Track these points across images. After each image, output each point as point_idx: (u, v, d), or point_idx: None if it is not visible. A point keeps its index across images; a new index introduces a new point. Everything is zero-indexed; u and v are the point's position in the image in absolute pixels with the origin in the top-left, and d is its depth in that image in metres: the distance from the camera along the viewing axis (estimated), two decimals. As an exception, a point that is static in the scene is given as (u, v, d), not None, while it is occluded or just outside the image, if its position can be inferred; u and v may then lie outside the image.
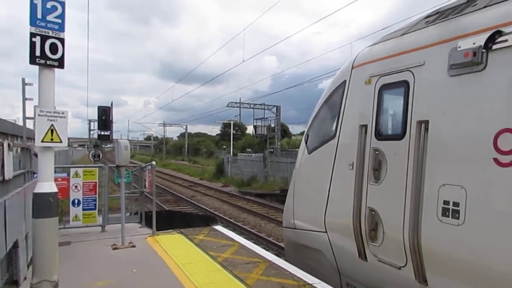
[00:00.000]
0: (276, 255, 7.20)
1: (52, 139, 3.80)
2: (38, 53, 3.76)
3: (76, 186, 7.64)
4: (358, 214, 4.91)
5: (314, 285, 4.89)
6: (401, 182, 4.28)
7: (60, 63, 3.83)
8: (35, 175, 7.12)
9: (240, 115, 51.44)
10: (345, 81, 5.58)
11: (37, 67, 3.82)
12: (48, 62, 3.79)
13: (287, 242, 7.01)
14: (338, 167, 5.44)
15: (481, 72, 3.63)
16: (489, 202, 3.48)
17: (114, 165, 7.22)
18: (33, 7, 3.78)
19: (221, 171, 34.80)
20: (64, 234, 7.48)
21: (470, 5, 4.10)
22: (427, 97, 4.16)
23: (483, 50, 3.56)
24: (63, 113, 3.85)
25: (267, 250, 7.87)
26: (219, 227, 8.33)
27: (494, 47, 3.52)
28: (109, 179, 9.50)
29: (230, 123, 56.41)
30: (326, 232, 5.53)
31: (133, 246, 6.76)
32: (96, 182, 7.87)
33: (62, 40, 3.84)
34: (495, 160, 3.40)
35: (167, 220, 9.20)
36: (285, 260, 6.22)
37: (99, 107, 15.28)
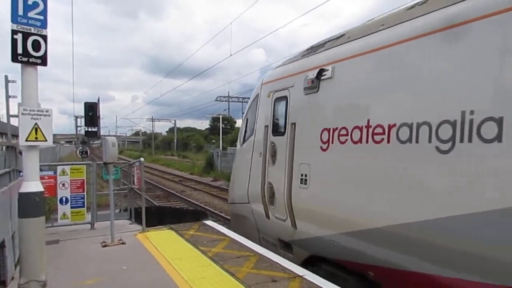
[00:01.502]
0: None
1: (36, 138, 3.75)
2: (20, 50, 3.68)
3: (63, 184, 7.57)
4: (263, 187, 6.84)
5: (304, 276, 4.94)
6: (283, 163, 6.24)
7: (43, 61, 3.76)
8: (21, 173, 7.03)
9: (228, 109, 51.40)
10: (258, 94, 7.62)
11: (20, 64, 3.75)
12: (30, 60, 3.73)
13: (231, 214, 9.19)
14: (254, 156, 7.40)
15: (316, 93, 5.65)
16: (319, 173, 5.49)
17: (102, 162, 7.16)
18: (14, 3, 3.70)
19: (211, 165, 34.76)
20: (52, 233, 7.42)
21: (319, 48, 6.14)
22: (295, 108, 6.15)
23: (316, 79, 5.59)
24: (47, 111, 3.79)
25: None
26: (209, 222, 8.34)
27: (321, 78, 5.53)
28: (97, 176, 9.43)
29: (219, 117, 56.30)
30: (249, 203, 7.51)
31: (123, 243, 6.74)
32: (84, 180, 7.80)
33: (44, 37, 3.77)
34: (320, 147, 5.42)
35: (157, 216, 9.19)
36: (231, 229, 7.78)
37: (85, 103, 15.11)
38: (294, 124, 6.06)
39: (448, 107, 3.75)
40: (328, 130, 5.29)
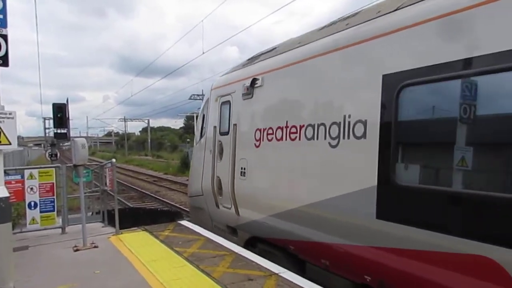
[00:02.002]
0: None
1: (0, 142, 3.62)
2: (-21, 50, 3.53)
3: (31, 188, 7.33)
4: (213, 181, 7.72)
5: (280, 274, 4.98)
6: (228, 159, 7.16)
7: (4, 61, 3.62)
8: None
9: (203, 107, 50.95)
10: (208, 98, 8.59)
11: (-21, 65, 3.59)
12: (-9, 60, 3.58)
13: (190, 207, 10.04)
14: (206, 153, 8.27)
15: (251, 99, 6.61)
16: (253, 166, 6.45)
17: (72, 165, 6.98)
18: (-29, 1, 3.54)
19: (186, 164, 34.41)
20: (21, 239, 7.18)
21: (255, 60, 7.18)
22: (236, 111, 7.12)
23: (251, 87, 6.53)
24: (10, 113, 3.65)
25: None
26: (185, 222, 8.27)
27: (255, 86, 6.48)
28: (68, 179, 9.19)
29: (194, 116, 55.82)
30: (203, 195, 8.31)
31: (95, 247, 6.59)
32: (53, 183, 7.57)
33: (5, 37, 3.62)
34: (254, 144, 6.37)
35: (132, 218, 9.01)
36: (191, 221, 8.58)
37: (53, 104, 14.64)
38: (236, 125, 7.06)
39: (336, 112, 4.76)
40: (260, 130, 6.28)
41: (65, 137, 15.60)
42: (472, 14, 3.45)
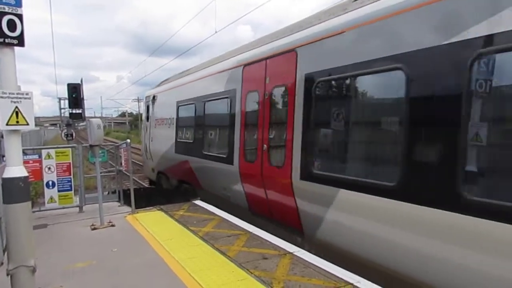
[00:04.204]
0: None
1: (17, 122, 3.63)
2: (-6, 30, 3.51)
3: (49, 168, 7.44)
4: (147, 148, 13.60)
5: (295, 253, 5.00)
6: (149, 135, 13.36)
7: (20, 41, 3.60)
8: (4, 158, 6.88)
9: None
10: (148, 98, 13.83)
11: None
12: (6, 41, 3.55)
13: (144, 165, 15.62)
14: (146, 133, 13.87)
15: (154, 104, 12.97)
16: (154, 137, 12.80)
17: (88, 145, 7.05)
18: (-16, -19, 3.50)
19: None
20: (40, 217, 7.36)
21: (165, 81, 13.41)
22: (150, 109, 13.38)
23: (153, 99, 12.96)
24: (27, 94, 3.66)
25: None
26: (199, 202, 8.35)
27: (155, 98, 12.84)
28: (84, 159, 9.31)
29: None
30: (147, 158, 13.91)
31: (112, 226, 6.71)
32: (70, 163, 7.67)
33: (20, 16, 3.59)
34: (154, 126, 12.92)
35: (147, 197, 9.14)
36: (145, 174, 15.02)
37: (68, 85, 14.79)
38: (149, 116, 13.52)
39: (171, 114, 11.03)
40: (156, 120, 12.58)
41: (80, 117, 15.80)
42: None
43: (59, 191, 7.59)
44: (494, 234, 3.21)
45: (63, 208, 7.74)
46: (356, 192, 4.56)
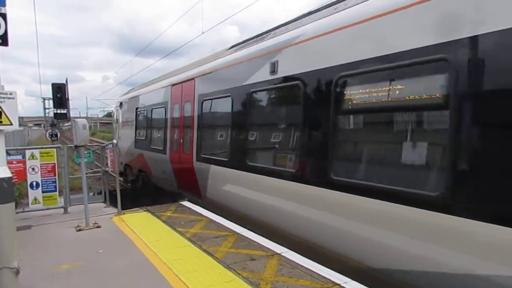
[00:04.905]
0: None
1: (1, 122, 3.57)
2: (-23, 29, 3.45)
3: (33, 168, 7.33)
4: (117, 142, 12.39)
5: (282, 254, 5.00)
6: (117, 132, 16.71)
7: (4, 40, 3.54)
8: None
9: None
10: (117, 104, 17.02)
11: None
12: (-10, 39, 3.51)
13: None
14: (117, 132, 16.80)
15: (120, 110, 16.15)
16: (122, 135, 15.46)
17: (73, 145, 6.95)
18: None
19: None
20: (24, 218, 7.24)
21: (131, 91, 16.03)
22: (118, 113, 16.51)
23: (120, 105, 16.28)
24: (11, 93, 3.60)
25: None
26: (186, 203, 8.29)
27: (122, 105, 16.02)
28: (69, 159, 9.18)
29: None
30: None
31: (98, 227, 6.63)
32: (54, 163, 7.57)
33: (3, 16, 3.53)
34: (122, 126, 16.02)
35: (133, 198, 9.06)
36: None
37: (53, 84, 14.58)
38: (117, 119, 16.39)
39: (132, 118, 14.13)
40: (123, 122, 15.43)
41: (65, 117, 15.59)
42: None
43: (43, 192, 7.48)
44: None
45: (48, 209, 7.62)
46: (217, 167, 7.59)
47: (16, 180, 7.06)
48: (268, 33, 7.04)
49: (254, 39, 7.43)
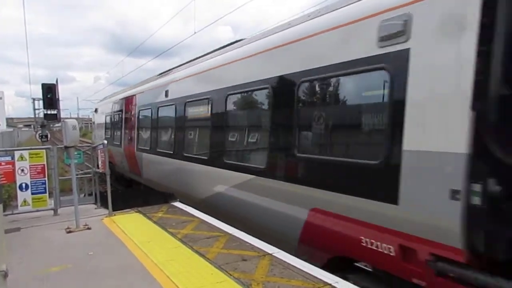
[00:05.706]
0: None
1: (-12, 122, 3.53)
2: (-36, 27, 3.41)
3: (22, 170, 7.25)
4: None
5: (274, 254, 5.01)
6: (95, 132, 24.18)
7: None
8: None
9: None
10: (95, 109, 22.70)
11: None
12: (-23, 38, 3.46)
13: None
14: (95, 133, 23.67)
15: (97, 114, 21.68)
16: (98, 135, 20.48)
17: (63, 146, 6.89)
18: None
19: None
20: (13, 220, 7.15)
21: (107, 97, 21.20)
22: (95, 117, 22.46)
23: (95, 110, 22.54)
24: (-2, 93, 3.57)
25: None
26: (178, 204, 8.27)
27: (98, 109, 21.63)
28: (59, 160, 9.09)
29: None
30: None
31: (88, 228, 6.57)
32: (44, 165, 7.49)
33: (-9, 13, 3.50)
34: (98, 127, 21.39)
35: (124, 199, 8.99)
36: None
37: (43, 85, 14.40)
38: (94, 121, 22.93)
39: (103, 120, 19.06)
40: (97, 124, 20.68)
41: (55, 118, 15.41)
42: None
43: (32, 193, 7.40)
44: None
45: (37, 211, 7.54)
46: (146, 154, 11.79)
47: (4, 181, 6.98)
48: (170, 71, 11.85)
49: (166, 72, 12.18)
